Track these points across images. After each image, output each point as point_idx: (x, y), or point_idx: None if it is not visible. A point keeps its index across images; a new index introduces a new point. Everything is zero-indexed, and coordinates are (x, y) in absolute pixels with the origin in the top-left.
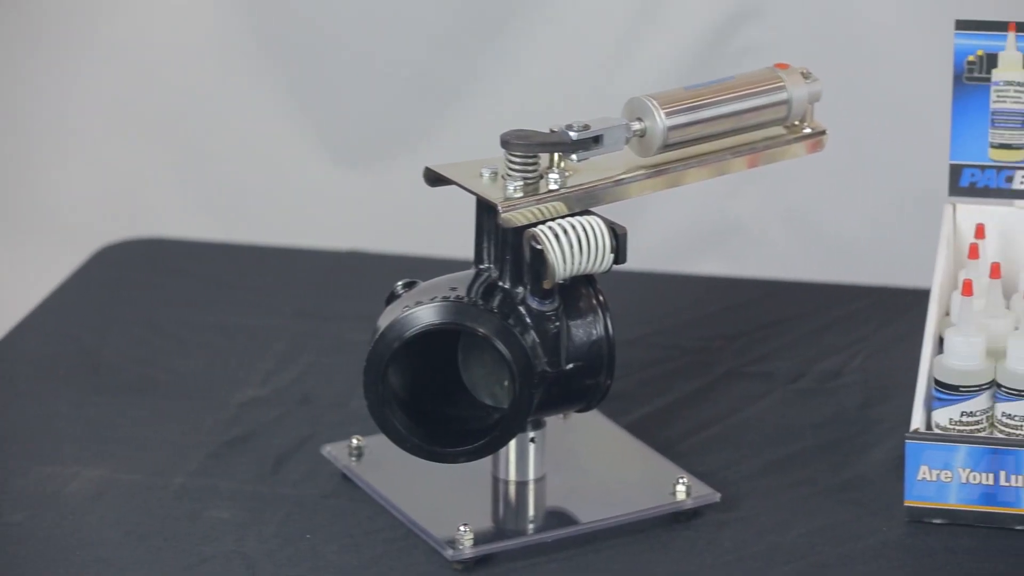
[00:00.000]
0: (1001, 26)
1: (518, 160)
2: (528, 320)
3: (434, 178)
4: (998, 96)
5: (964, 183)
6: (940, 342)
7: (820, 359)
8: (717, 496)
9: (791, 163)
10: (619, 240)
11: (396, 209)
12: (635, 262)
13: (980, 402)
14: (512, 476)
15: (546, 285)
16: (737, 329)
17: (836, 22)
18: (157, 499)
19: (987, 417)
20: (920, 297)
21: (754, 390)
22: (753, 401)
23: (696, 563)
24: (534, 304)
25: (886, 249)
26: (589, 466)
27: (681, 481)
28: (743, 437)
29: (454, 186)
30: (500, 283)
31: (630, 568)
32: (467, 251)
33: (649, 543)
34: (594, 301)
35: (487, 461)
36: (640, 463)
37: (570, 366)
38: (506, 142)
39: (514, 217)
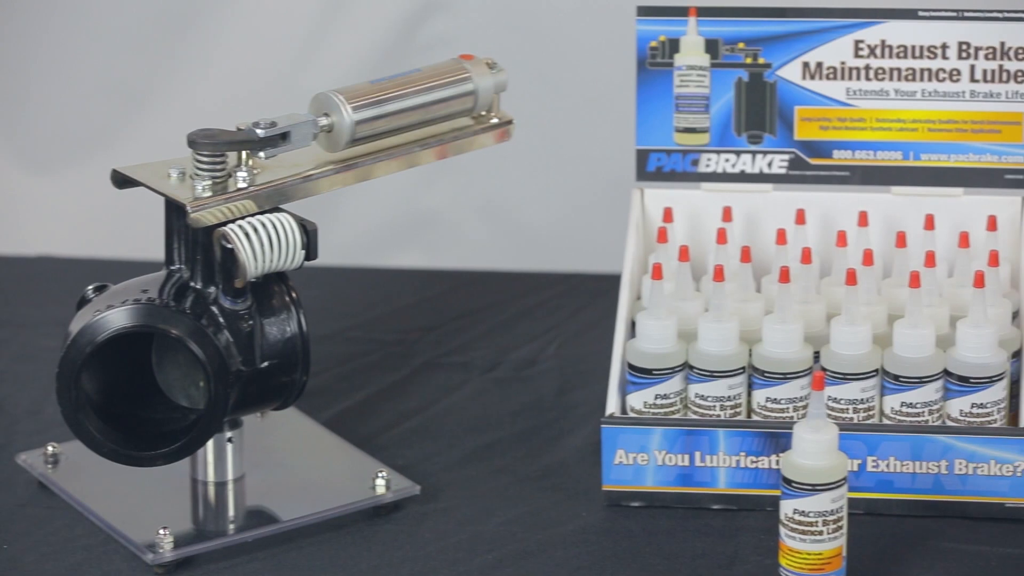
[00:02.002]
0: (682, 11)
1: (205, 159)
2: (221, 320)
3: (122, 180)
4: (681, 81)
5: (651, 168)
6: (633, 326)
7: (516, 347)
8: (417, 488)
9: (484, 154)
10: (310, 236)
11: (85, 212)
12: (330, 257)
13: (673, 384)
14: (211, 477)
15: (238, 284)
16: (433, 321)
17: (521, 12)
18: None
19: (681, 399)
20: (612, 282)
21: (451, 381)
22: (451, 392)
23: (399, 556)
24: (227, 303)
25: (578, 236)
26: (288, 464)
27: (380, 475)
28: (442, 428)
29: (143, 188)
30: (192, 284)
31: (332, 564)
32: (159, 252)
33: (351, 538)
34: (287, 298)
35: (185, 463)
36: (339, 458)
37: (265, 364)
38: (193, 142)
39: (203, 217)
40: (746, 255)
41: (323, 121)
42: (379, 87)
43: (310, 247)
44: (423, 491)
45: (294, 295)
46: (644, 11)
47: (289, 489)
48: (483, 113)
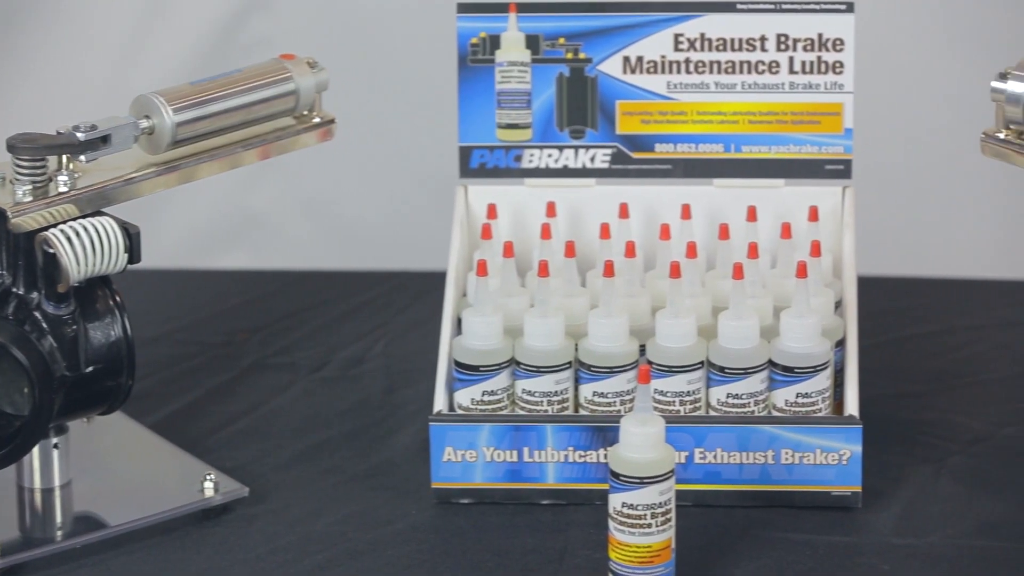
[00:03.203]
0: (502, 7)
1: (25, 164)
2: (45, 325)
3: None
4: (503, 77)
5: (474, 164)
6: (459, 323)
7: (343, 347)
8: (246, 490)
9: (307, 153)
10: (132, 239)
11: None
12: (155, 260)
13: (500, 381)
14: (37, 484)
15: (61, 289)
16: (259, 321)
17: (341, 11)
18: None
19: (508, 395)
20: (438, 280)
21: (279, 381)
22: (278, 392)
23: (228, 559)
24: (50, 309)
25: (403, 234)
26: (115, 468)
27: (209, 477)
28: (270, 429)
29: None
30: (14, 289)
31: (162, 568)
32: None
33: (180, 542)
34: (111, 302)
35: (11, 470)
36: (167, 462)
37: (90, 369)
38: (12, 146)
39: (24, 222)
40: (570, 250)
41: (144, 123)
42: (200, 88)
43: (133, 250)
44: (252, 493)
45: (118, 299)
46: (464, 8)
47: (117, 494)
48: (305, 112)
